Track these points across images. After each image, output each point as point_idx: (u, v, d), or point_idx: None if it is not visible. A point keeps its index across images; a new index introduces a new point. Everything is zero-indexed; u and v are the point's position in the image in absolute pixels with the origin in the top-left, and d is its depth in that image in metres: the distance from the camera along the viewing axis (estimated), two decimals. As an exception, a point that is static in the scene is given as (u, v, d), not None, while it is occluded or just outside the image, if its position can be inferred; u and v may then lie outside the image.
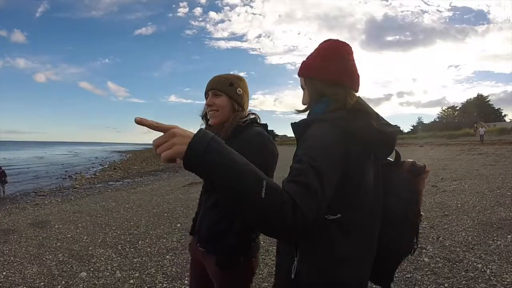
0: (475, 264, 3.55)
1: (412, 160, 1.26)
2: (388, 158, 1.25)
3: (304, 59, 1.29)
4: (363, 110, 1.12)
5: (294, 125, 1.20)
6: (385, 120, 1.15)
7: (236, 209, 0.85)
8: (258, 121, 1.74)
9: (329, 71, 1.18)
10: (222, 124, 1.67)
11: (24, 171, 20.76)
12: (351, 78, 1.21)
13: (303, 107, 1.28)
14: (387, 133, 1.09)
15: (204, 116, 1.81)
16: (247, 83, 1.80)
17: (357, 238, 1.11)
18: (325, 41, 1.25)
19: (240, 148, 1.45)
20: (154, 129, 0.83)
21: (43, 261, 4.30)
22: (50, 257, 4.44)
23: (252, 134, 1.58)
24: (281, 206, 0.83)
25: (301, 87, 1.29)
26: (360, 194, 1.09)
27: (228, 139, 1.53)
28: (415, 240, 1.27)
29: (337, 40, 1.24)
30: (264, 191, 0.81)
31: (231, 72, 1.81)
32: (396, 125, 1.16)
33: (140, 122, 0.82)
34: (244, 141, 1.52)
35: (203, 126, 1.80)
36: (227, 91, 1.68)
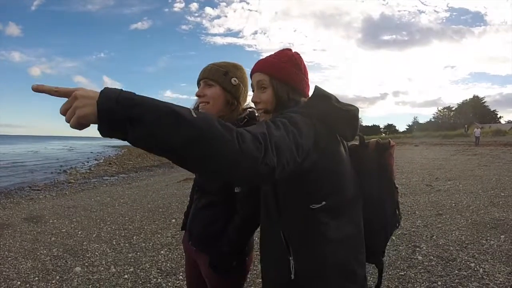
0: (468, 263, 3.57)
1: (375, 139, 1.32)
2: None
3: (266, 57, 1.32)
4: (322, 95, 1.16)
5: None
6: (344, 103, 1.19)
7: (168, 141, 0.74)
8: (256, 115, 1.57)
9: (299, 80, 1.27)
10: None
11: (18, 166, 20.58)
12: (309, 91, 1.30)
13: (261, 105, 1.28)
14: (349, 111, 1.14)
15: (196, 109, 1.58)
16: (246, 72, 1.62)
17: (345, 219, 1.15)
18: (288, 49, 1.32)
19: None
20: (54, 95, 0.76)
21: (37, 256, 4.27)
22: (45, 252, 4.41)
23: None
24: (219, 119, 0.80)
25: (259, 84, 1.28)
26: (339, 178, 1.14)
27: None
28: (397, 213, 1.33)
29: (299, 53, 1.32)
30: (194, 113, 0.78)
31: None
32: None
33: (36, 89, 0.75)
34: None
35: None
36: (220, 81, 1.51)
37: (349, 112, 1.14)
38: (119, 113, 0.72)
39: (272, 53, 1.32)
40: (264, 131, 0.85)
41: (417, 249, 4.04)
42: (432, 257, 3.77)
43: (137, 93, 0.78)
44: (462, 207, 6.00)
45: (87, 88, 0.76)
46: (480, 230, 4.68)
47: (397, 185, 1.31)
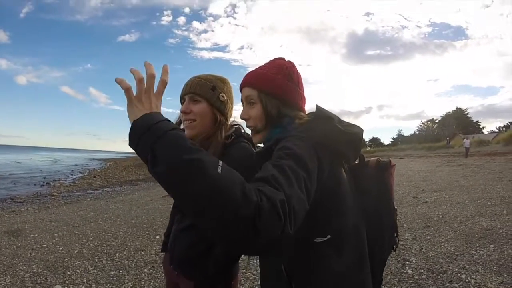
0: (459, 274, 3.54)
1: (376, 157, 1.24)
2: None
3: (256, 68, 1.22)
4: (325, 116, 1.07)
5: (258, 156, 1.13)
6: (348, 123, 1.10)
7: (180, 184, 0.69)
8: (242, 131, 1.50)
9: (291, 92, 1.16)
10: (199, 138, 1.39)
11: (0, 176, 20.13)
12: (305, 104, 1.21)
13: (251, 122, 1.19)
14: (352, 134, 1.05)
15: (178, 125, 1.48)
16: (231, 86, 1.52)
17: (350, 247, 1.05)
18: (280, 58, 1.22)
19: None
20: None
21: (16, 272, 4.12)
22: (24, 268, 4.27)
23: (239, 155, 1.34)
24: (243, 184, 0.71)
25: (247, 99, 1.18)
26: (343, 206, 1.05)
27: None
28: (395, 236, 1.25)
29: (292, 62, 1.21)
30: (220, 168, 0.72)
31: None
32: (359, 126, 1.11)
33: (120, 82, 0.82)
34: (231, 164, 1.30)
35: None
36: (207, 97, 1.40)
37: (354, 135, 1.06)
38: (143, 141, 0.76)
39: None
40: (283, 197, 0.72)
41: (407, 262, 4.01)
42: (422, 270, 3.74)
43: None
44: (450, 218, 6.00)
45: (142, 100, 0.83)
46: (469, 240, 4.67)
47: (395, 207, 1.24)
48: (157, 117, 0.79)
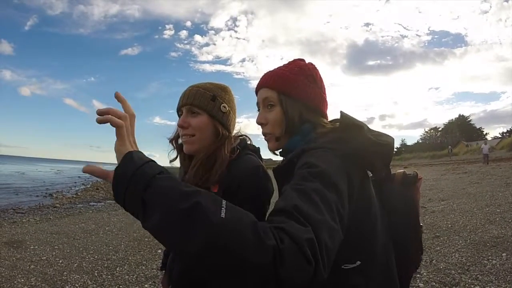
0: (472, 286, 3.43)
1: (402, 170, 1.12)
2: None
3: (274, 69, 1.10)
4: (354, 124, 0.93)
5: (278, 171, 1.00)
6: (376, 131, 0.96)
7: (179, 238, 0.59)
8: (249, 142, 1.36)
9: (314, 95, 1.05)
10: (201, 156, 1.26)
11: (3, 187, 20.04)
12: (327, 109, 1.11)
13: (268, 128, 1.07)
14: (386, 144, 0.91)
15: (175, 140, 1.37)
16: (233, 94, 1.38)
17: (381, 274, 0.92)
18: (300, 59, 1.11)
19: (231, 184, 1.18)
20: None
21: (14, 284, 4.05)
22: (22, 280, 4.19)
23: (245, 169, 1.20)
24: (254, 225, 0.60)
25: (265, 102, 1.07)
26: (374, 226, 0.92)
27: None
28: (419, 255, 1.12)
29: (314, 64, 1.11)
30: (224, 211, 0.60)
31: None
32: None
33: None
34: (235, 178, 1.18)
35: (174, 154, 1.39)
36: (208, 109, 1.25)
37: (387, 146, 0.92)
38: (130, 193, 0.64)
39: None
40: (310, 235, 0.61)
41: (418, 275, 3.87)
42: (434, 283, 3.62)
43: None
44: (459, 227, 5.87)
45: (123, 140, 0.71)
46: (480, 250, 4.56)
47: (421, 223, 1.11)
48: (138, 159, 0.67)
